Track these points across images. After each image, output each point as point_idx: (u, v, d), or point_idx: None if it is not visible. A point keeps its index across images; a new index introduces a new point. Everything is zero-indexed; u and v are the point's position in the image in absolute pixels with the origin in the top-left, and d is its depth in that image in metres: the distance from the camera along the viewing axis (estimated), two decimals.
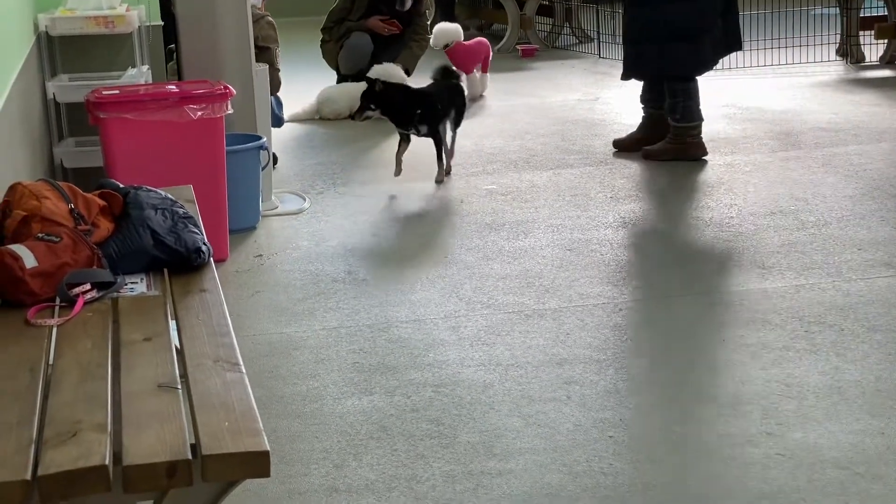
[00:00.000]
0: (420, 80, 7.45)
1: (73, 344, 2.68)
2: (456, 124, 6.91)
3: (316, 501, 3.27)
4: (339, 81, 8.91)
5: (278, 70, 7.44)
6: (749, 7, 10.34)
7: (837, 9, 10.20)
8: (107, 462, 2.08)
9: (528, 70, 10.45)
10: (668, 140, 6.96)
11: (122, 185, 3.34)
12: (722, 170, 6.72)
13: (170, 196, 3.34)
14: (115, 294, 2.99)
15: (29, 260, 2.93)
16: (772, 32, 10.06)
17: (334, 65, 9.03)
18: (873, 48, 10.00)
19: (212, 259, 3.25)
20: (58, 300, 2.92)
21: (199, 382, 2.44)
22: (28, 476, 2.06)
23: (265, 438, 2.19)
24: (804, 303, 4.63)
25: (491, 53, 9.46)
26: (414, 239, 5.79)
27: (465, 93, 7.28)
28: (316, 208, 6.22)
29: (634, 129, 7.25)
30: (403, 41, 8.96)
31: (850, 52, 9.95)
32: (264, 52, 7.03)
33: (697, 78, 6.94)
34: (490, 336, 4.40)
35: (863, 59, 9.95)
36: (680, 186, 6.53)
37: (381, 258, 5.46)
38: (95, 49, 6.41)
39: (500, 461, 3.43)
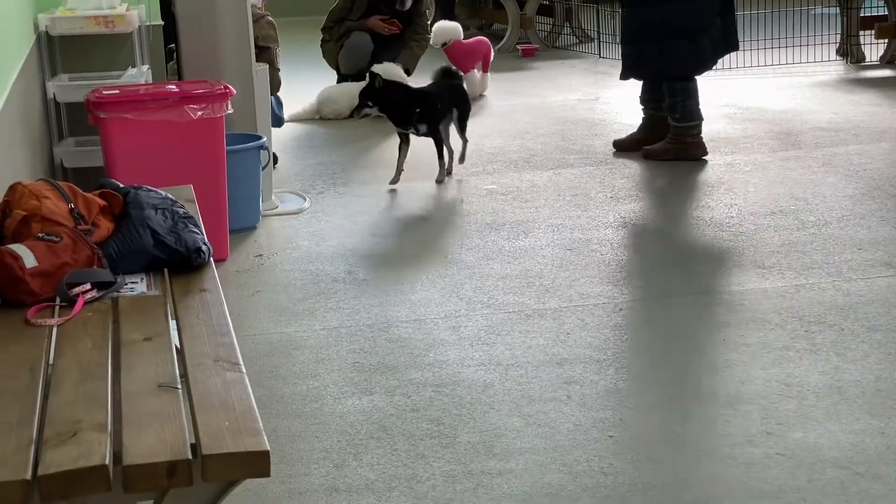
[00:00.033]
0: (420, 79, 7.45)
1: (73, 344, 2.68)
2: (461, 127, 6.83)
3: (316, 501, 3.27)
4: (339, 81, 8.91)
5: (278, 70, 7.44)
6: (749, 7, 10.34)
7: (838, 8, 10.20)
8: (107, 462, 2.08)
9: (529, 70, 10.45)
10: (669, 140, 6.96)
11: (122, 185, 3.34)
12: (722, 169, 6.72)
13: (170, 196, 3.34)
14: (116, 294, 2.99)
15: (29, 260, 2.93)
16: (772, 32, 10.06)
17: (334, 64, 9.03)
18: (873, 48, 10.00)
19: (212, 259, 3.25)
20: (58, 300, 2.92)
21: (199, 382, 2.44)
22: (28, 476, 2.06)
23: (265, 438, 2.18)
24: (804, 302, 4.63)
25: (492, 53, 9.46)
26: (414, 239, 5.79)
27: (468, 94, 7.21)
28: (316, 208, 6.22)
29: (635, 129, 7.25)
30: (404, 41, 8.96)
31: (850, 51, 9.95)
32: (264, 52, 7.03)
33: (696, 77, 6.94)
34: (490, 336, 4.40)
35: (863, 58, 9.95)
36: (680, 186, 6.53)
37: (382, 258, 5.46)
38: (95, 49, 6.41)
39: (500, 461, 3.43)
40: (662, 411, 3.78)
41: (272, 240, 5.71)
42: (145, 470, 2.09)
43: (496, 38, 11.25)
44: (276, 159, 6.83)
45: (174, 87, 5.40)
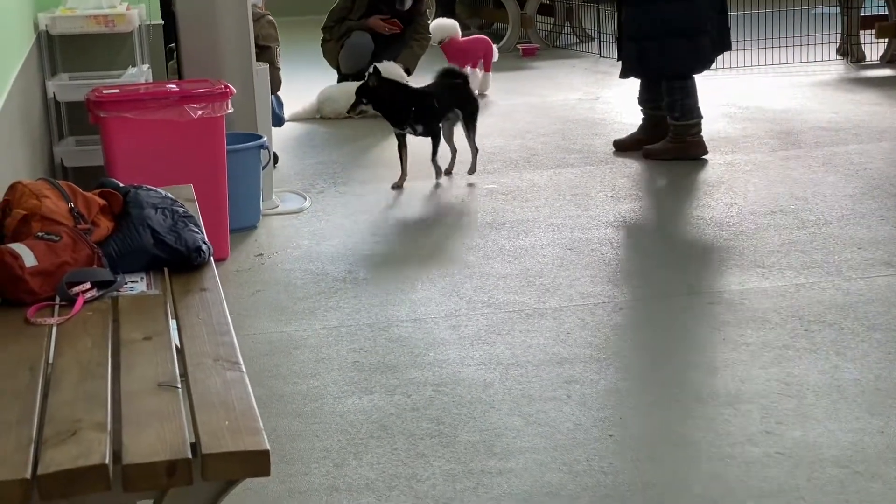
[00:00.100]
0: (421, 79, 7.45)
1: (72, 343, 2.68)
2: (468, 130, 6.67)
3: (316, 500, 3.27)
4: (339, 80, 8.92)
5: (279, 69, 7.44)
6: (749, 6, 10.34)
7: (838, 8, 10.21)
8: (107, 461, 2.08)
9: (529, 69, 10.45)
10: (669, 139, 6.96)
11: (122, 184, 3.34)
12: (722, 169, 6.72)
13: (170, 195, 3.34)
14: (115, 293, 2.99)
15: (29, 259, 2.93)
16: (772, 31, 10.06)
17: (335, 64, 9.04)
18: (874, 47, 10.00)
19: (212, 258, 3.25)
20: (58, 299, 2.92)
21: (199, 381, 2.44)
22: (28, 475, 2.06)
23: (265, 437, 2.18)
24: (804, 302, 4.63)
25: (494, 52, 9.43)
26: (414, 238, 5.79)
27: (475, 94, 7.01)
28: (316, 207, 6.22)
29: (635, 128, 7.25)
30: (404, 40, 8.97)
31: (850, 51, 9.96)
32: (265, 51, 7.03)
33: (695, 76, 6.94)
34: (490, 335, 4.40)
35: (863, 58, 9.96)
36: (680, 186, 6.53)
37: (382, 257, 5.46)
38: (96, 48, 6.42)
39: (500, 460, 3.43)
40: (662, 411, 3.78)
41: (272, 239, 5.71)
42: (145, 469, 2.09)
43: (497, 37, 11.24)
44: (276, 158, 6.83)
45: (174, 86, 5.39)
